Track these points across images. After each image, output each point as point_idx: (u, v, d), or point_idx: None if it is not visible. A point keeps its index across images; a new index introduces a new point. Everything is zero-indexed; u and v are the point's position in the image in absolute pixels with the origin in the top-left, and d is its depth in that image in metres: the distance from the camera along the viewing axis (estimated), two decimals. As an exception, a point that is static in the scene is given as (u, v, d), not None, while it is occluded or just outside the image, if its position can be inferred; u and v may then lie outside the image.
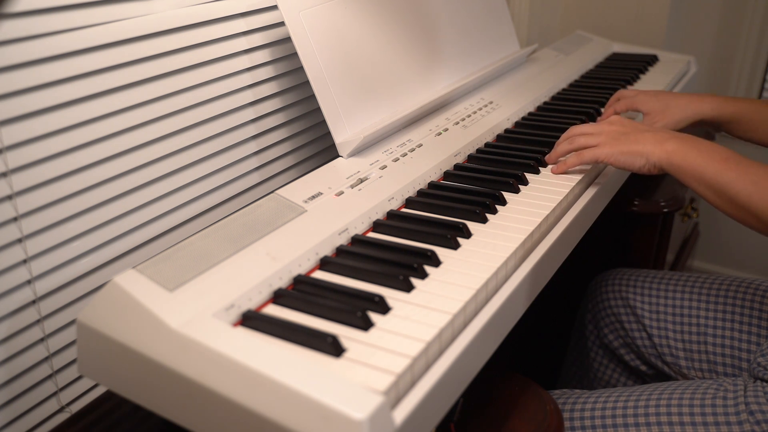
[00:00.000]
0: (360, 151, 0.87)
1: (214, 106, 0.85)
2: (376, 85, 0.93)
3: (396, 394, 0.52)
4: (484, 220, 0.76)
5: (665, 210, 1.23)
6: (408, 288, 0.63)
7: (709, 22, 1.74)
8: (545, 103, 1.15)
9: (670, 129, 0.94)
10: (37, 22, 0.65)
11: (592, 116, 1.08)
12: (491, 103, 1.08)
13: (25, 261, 0.67)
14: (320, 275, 0.67)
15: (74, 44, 0.68)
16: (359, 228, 0.74)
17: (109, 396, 0.74)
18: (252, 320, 0.59)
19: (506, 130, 1.02)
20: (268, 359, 0.51)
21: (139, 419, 0.72)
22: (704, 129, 1.06)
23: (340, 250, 0.70)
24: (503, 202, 0.80)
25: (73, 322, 0.72)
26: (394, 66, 0.96)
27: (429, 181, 0.86)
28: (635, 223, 1.27)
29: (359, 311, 0.58)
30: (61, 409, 0.73)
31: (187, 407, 0.54)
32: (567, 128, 1.01)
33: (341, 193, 0.77)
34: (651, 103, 1.00)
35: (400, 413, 0.51)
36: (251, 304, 0.60)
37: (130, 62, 0.74)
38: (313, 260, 0.68)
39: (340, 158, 0.85)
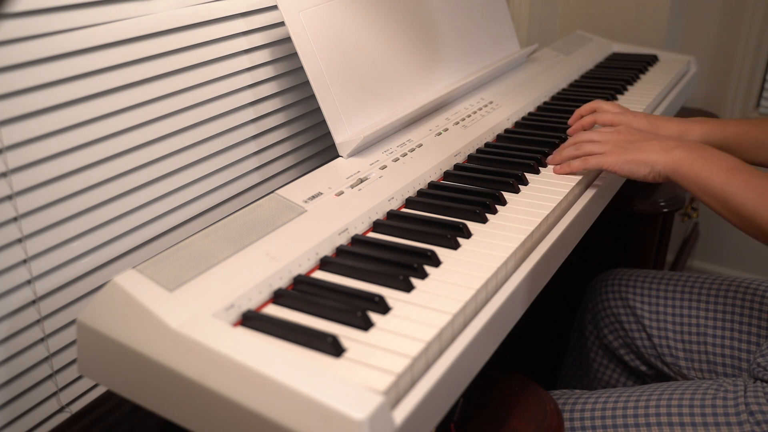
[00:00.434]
0: (360, 151, 0.87)
1: (214, 106, 0.85)
2: (376, 85, 0.93)
3: (396, 394, 0.52)
4: (484, 220, 0.76)
5: (665, 210, 1.23)
6: (408, 288, 0.63)
7: (709, 22, 1.74)
8: (545, 103, 1.15)
9: None
10: (37, 22, 0.65)
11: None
12: (491, 103, 1.08)
13: (25, 261, 0.67)
14: (320, 275, 0.67)
15: (74, 44, 0.68)
16: (359, 228, 0.74)
17: (109, 396, 0.74)
18: (252, 320, 0.59)
19: (506, 130, 1.02)
20: (268, 359, 0.51)
21: (139, 419, 0.72)
22: None
23: (340, 250, 0.70)
24: (503, 202, 0.80)
25: (73, 322, 0.72)
26: (394, 66, 0.96)
27: (429, 181, 0.86)
28: (635, 223, 1.27)
29: (359, 311, 0.58)
30: (61, 409, 0.73)
31: (187, 407, 0.54)
32: (567, 129, 1.01)
33: (341, 193, 0.77)
34: (641, 124, 0.93)
35: (400, 413, 0.51)
36: (251, 304, 0.60)
37: (130, 62, 0.74)
38: (313, 260, 0.68)
39: (340, 158, 0.85)
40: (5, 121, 0.63)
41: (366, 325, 0.58)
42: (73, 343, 0.72)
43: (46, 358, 0.70)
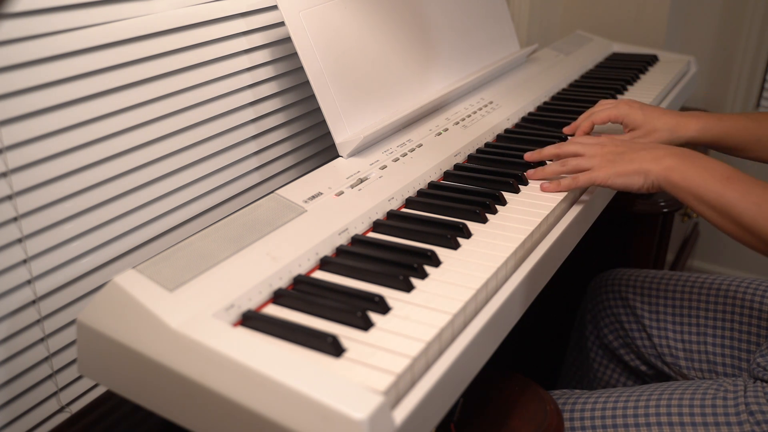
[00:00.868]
0: (360, 151, 0.87)
1: (214, 106, 0.85)
2: (376, 85, 0.93)
3: (396, 394, 0.52)
4: (484, 220, 0.76)
5: (665, 210, 1.23)
6: (408, 288, 0.63)
7: (709, 22, 1.74)
8: (545, 103, 1.15)
9: None
10: (37, 22, 0.65)
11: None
12: (491, 103, 1.08)
13: (25, 261, 0.67)
14: (320, 275, 0.67)
15: (74, 44, 0.68)
16: (359, 228, 0.74)
17: (109, 396, 0.74)
18: (252, 320, 0.59)
19: (506, 130, 1.02)
20: (268, 359, 0.51)
21: (139, 419, 0.72)
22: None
23: (340, 250, 0.70)
24: (503, 202, 0.80)
25: (73, 322, 0.71)
26: (394, 66, 0.96)
27: (429, 181, 0.86)
28: (635, 223, 1.27)
29: (359, 311, 0.58)
30: (61, 409, 0.73)
31: (187, 407, 0.54)
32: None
33: (341, 193, 0.77)
34: (636, 118, 0.93)
35: (400, 413, 0.51)
36: (251, 304, 0.60)
37: (130, 62, 0.74)
38: (313, 260, 0.68)
39: (340, 158, 0.85)
40: (5, 121, 0.63)
41: (366, 325, 0.58)
42: (73, 343, 0.72)
43: (46, 358, 0.70)
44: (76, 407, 0.74)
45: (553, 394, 0.89)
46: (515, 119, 1.07)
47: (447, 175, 0.88)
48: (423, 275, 0.65)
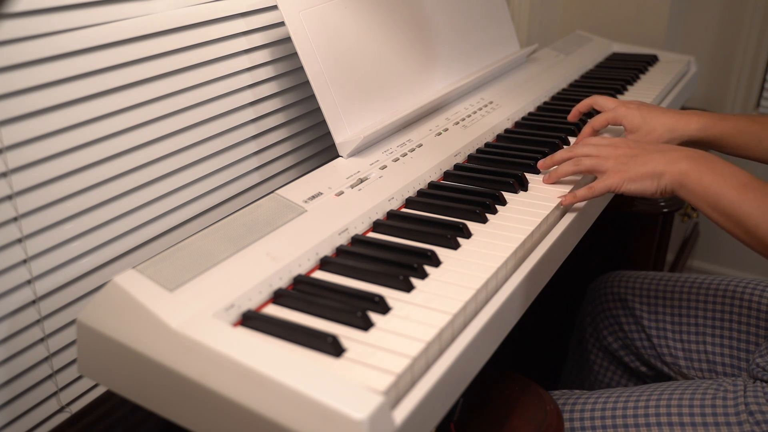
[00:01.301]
0: (360, 151, 0.87)
1: (214, 106, 0.85)
2: (376, 85, 0.93)
3: (396, 394, 0.52)
4: (484, 220, 0.76)
5: (665, 210, 1.23)
6: (408, 288, 0.63)
7: (709, 22, 1.74)
8: (545, 103, 1.15)
9: None
10: (37, 22, 0.65)
11: (591, 116, 1.08)
12: (491, 103, 1.08)
13: (25, 261, 0.67)
14: (320, 275, 0.67)
15: (74, 44, 0.68)
16: (359, 228, 0.74)
17: (109, 396, 0.74)
18: (252, 320, 0.59)
19: (506, 130, 1.02)
20: (268, 359, 0.51)
21: (139, 419, 0.72)
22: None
23: (340, 250, 0.70)
24: (503, 202, 0.80)
25: (73, 322, 0.71)
26: (394, 66, 0.96)
27: (429, 181, 0.86)
28: (635, 224, 1.27)
29: (359, 311, 0.58)
30: (61, 409, 0.73)
31: (187, 407, 0.54)
32: (567, 129, 1.01)
33: (341, 193, 0.77)
34: (634, 119, 0.92)
35: (400, 413, 0.51)
36: (251, 304, 0.60)
37: (130, 62, 0.74)
38: (313, 260, 0.68)
39: (340, 158, 0.85)
40: (5, 121, 0.63)
41: (366, 325, 0.58)
42: (73, 343, 0.72)
43: (46, 358, 0.70)
44: (76, 407, 0.74)
45: (553, 394, 0.89)
46: (515, 119, 1.07)
47: (447, 175, 0.88)
48: (423, 275, 0.65)
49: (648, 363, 1.08)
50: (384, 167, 0.84)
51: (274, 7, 0.92)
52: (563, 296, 1.30)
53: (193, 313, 0.56)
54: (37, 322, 0.69)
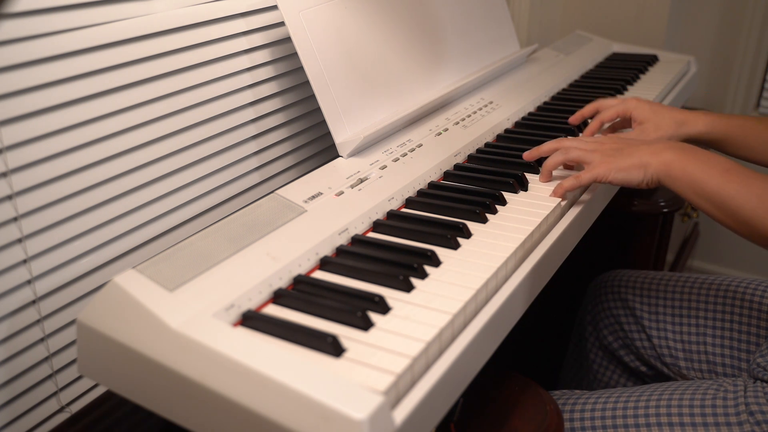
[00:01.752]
0: (360, 151, 0.87)
1: (214, 106, 0.85)
2: (376, 85, 0.93)
3: (396, 394, 0.52)
4: (484, 220, 0.76)
5: (665, 210, 1.23)
6: (408, 288, 0.63)
7: (709, 22, 1.74)
8: (545, 103, 1.15)
9: None
10: (37, 22, 0.65)
11: (591, 116, 1.08)
12: (491, 103, 1.08)
13: (25, 261, 0.67)
14: (320, 275, 0.67)
15: (74, 44, 0.68)
16: (359, 228, 0.74)
17: (109, 396, 0.74)
18: (252, 320, 0.59)
19: (506, 130, 1.02)
20: (268, 359, 0.51)
21: (139, 419, 0.72)
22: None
23: (340, 250, 0.70)
24: (503, 202, 0.80)
25: (73, 322, 0.71)
26: (394, 66, 0.96)
27: (429, 181, 0.86)
28: (635, 223, 1.27)
29: (359, 311, 0.58)
30: (61, 409, 0.73)
31: (187, 407, 0.54)
32: (567, 129, 1.01)
33: (341, 193, 0.77)
34: (644, 111, 0.94)
35: (400, 413, 0.51)
36: (251, 304, 0.60)
37: (130, 62, 0.74)
38: (313, 260, 0.68)
39: (340, 158, 0.85)
40: (5, 121, 0.63)
41: (366, 325, 0.58)
42: (73, 343, 0.72)
43: (46, 358, 0.70)
44: (76, 407, 0.74)
45: (553, 394, 0.89)
46: (515, 119, 1.07)
47: (447, 175, 0.88)
48: (423, 275, 0.65)
49: (648, 363, 1.08)
50: (384, 167, 0.84)
51: (274, 7, 0.92)
52: (563, 296, 1.30)
53: (193, 313, 0.56)
54: (37, 322, 0.69)
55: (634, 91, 1.24)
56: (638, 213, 1.23)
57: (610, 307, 1.12)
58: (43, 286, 0.68)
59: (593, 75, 1.32)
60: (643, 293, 1.08)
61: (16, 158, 0.64)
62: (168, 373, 0.54)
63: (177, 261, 0.61)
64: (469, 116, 1.02)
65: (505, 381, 0.80)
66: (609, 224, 1.24)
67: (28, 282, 0.67)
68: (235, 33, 0.86)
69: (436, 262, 0.67)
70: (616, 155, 0.79)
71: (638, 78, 1.32)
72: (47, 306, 0.69)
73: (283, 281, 0.64)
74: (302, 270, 0.66)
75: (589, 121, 1.01)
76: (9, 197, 0.64)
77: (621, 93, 1.22)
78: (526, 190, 0.84)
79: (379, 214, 0.77)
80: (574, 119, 1.01)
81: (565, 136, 0.98)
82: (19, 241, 0.66)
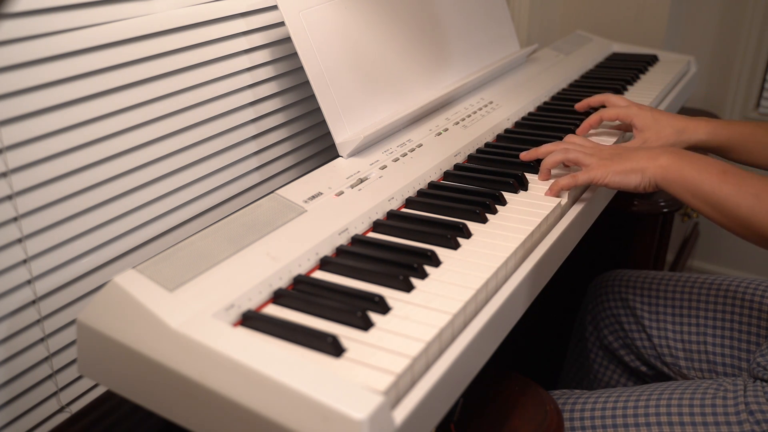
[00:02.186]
0: (360, 151, 0.87)
1: (214, 106, 0.85)
2: (376, 85, 0.93)
3: (396, 394, 0.52)
4: (484, 220, 0.76)
5: (665, 210, 1.23)
6: (408, 288, 0.63)
7: (709, 22, 1.74)
8: (545, 103, 1.15)
9: None
10: (37, 22, 0.65)
11: (596, 108, 1.08)
12: (491, 103, 1.08)
13: (25, 261, 0.67)
14: (320, 275, 0.67)
15: (74, 44, 0.68)
16: (359, 228, 0.74)
17: (109, 396, 0.74)
18: (252, 320, 0.59)
19: (506, 130, 1.02)
20: (268, 359, 0.51)
21: (139, 419, 0.72)
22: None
23: (340, 250, 0.70)
24: (503, 202, 0.80)
25: (73, 322, 0.72)
26: (394, 66, 0.96)
27: (429, 181, 0.86)
28: (635, 223, 1.27)
29: (359, 311, 0.58)
30: (61, 409, 0.73)
31: (187, 407, 0.54)
32: (567, 129, 1.01)
33: (341, 193, 0.77)
34: (645, 119, 0.94)
35: (401, 413, 0.51)
36: (251, 304, 0.60)
37: (130, 62, 0.74)
38: (313, 260, 0.68)
39: (340, 158, 0.85)
40: (5, 121, 0.63)
41: (366, 325, 0.58)
42: (73, 343, 0.72)
43: (46, 358, 0.70)
44: (76, 407, 0.74)
45: (553, 394, 0.89)
46: (515, 119, 1.07)
47: (447, 175, 0.88)
48: (423, 275, 0.65)
49: (648, 363, 1.08)
50: (384, 167, 0.84)
51: (274, 7, 0.92)
52: (563, 296, 1.30)
53: (193, 313, 0.56)
54: (37, 322, 0.69)
55: (634, 90, 1.24)
56: (638, 213, 1.23)
57: (611, 307, 1.12)
58: (43, 286, 0.68)
59: (593, 75, 1.32)
60: (643, 293, 1.08)
61: (16, 158, 0.64)
62: (168, 373, 0.54)
63: (177, 261, 0.61)
64: (469, 116, 1.02)
65: (505, 381, 0.80)
66: (609, 224, 1.24)
67: (28, 282, 0.67)
68: (235, 33, 0.86)
69: (436, 262, 0.67)
70: (614, 159, 0.80)
71: (638, 78, 1.32)
72: (47, 306, 0.69)
73: (283, 281, 0.64)
74: (302, 270, 0.66)
75: (591, 111, 1.01)
76: (9, 197, 0.64)
77: (621, 93, 1.22)
78: (526, 190, 0.84)
79: (379, 214, 0.77)
80: (579, 106, 1.03)
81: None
82: (19, 241, 0.66)
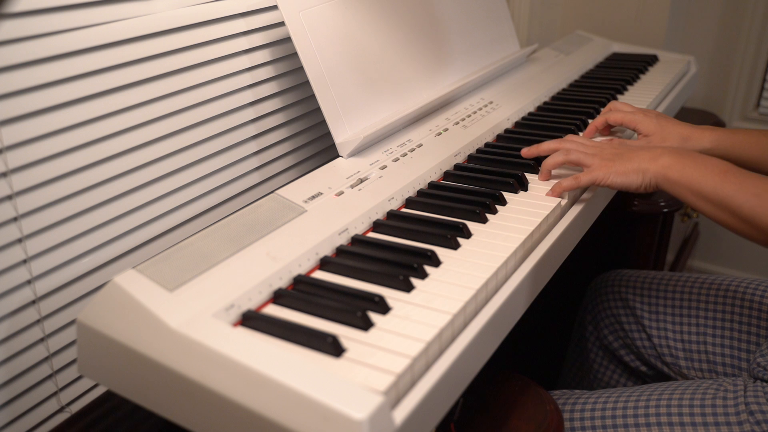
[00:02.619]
0: (360, 151, 0.87)
1: (214, 106, 0.85)
2: (376, 85, 0.93)
3: (396, 394, 0.52)
4: (484, 220, 0.76)
5: (665, 210, 1.23)
6: (408, 288, 0.63)
7: (709, 22, 1.74)
8: (545, 103, 1.15)
9: None
10: (37, 22, 0.65)
11: (591, 116, 1.08)
12: (491, 103, 1.08)
13: (25, 261, 0.67)
14: (320, 275, 0.67)
15: (74, 44, 0.68)
16: (359, 228, 0.74)
17: (109, 396, 0.74)
18: (252, 320, 0.59)
19: (506, 130, 1.02)
20: (268, 359, 0.51)
21: (139, 419, 0.72)
22: None
23: (340, 250, 0.70)
24: (503, 202, 0.80)
25: (73, 322, 0.72)
26: (393, 66, 0.96)
27: (429, 181, 0.86)
28: (635, 223, 1.27)
29: (359, 311, 0.58)
30: (61, 409, 0.73)
31: (187, 407, 0.54)
32: (567, 129, 1.01)
33: (341, 193, 0.77)
34: (650, 125, 0.94)
35: (401, 413, 0.51)
36: (251, 304, 0.60)
37: (130, 62, 0.74)
38: (313, 260, 0.68)
39: (340, 158, 0.85)
40: (5, 121, 0.63)
41: (366, 325, 0.58)
42: (73, 343, 0.72)
43: (46, 358, 0.70)
44: (76, 407, 0.74)
45: (553, 394, 0.89)
46: (515, 119, 1.07)
47: (447, 175, 0.88)
48: (423, 275, 0.65)
49: (648, 362, 1.08)
50: (384, 167, 0.84)
51: (274, 7, 0.92)
52: (563, 295, 1.30)
53: (193, 313, 0.56)
54: (37, 322, 0.69)
55: (634, 91, 1.24)
56: (638, 213, 1.23)
57: (611, 307, 1.12)
58: (43, 286, 0.68)
59: (593, 75, 1.32)
60: (643, 293, 1.08)
61: (16, 158, 0.64)
62: (168, 373, 0.54)
63: (177, 261, 0.61)
64: (469, 116, 1.02)
65: (505, 381, 0.80)
66: (609, 224, 1.24)
67: (28, 282, 0.67)
68: (235, 33, 0.86)
69: (436, 262, 0.67)
70: (616, 159, 0.81)
71: (638, 78, 1.32)
72: (47, 306, 0.69)
73: (283, 281, 0.64)
74: (302, 270, 0.66)
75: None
76: (9, 197, 0.64)
77: (621, 93, 1.22)
78: (526, 190, 0.84)
79: (379, 214, 0.77)
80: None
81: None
82: (19, 241, 0.66)
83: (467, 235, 0.73)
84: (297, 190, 0.75)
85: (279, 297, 0.62)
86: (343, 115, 0.87)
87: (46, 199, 0.67)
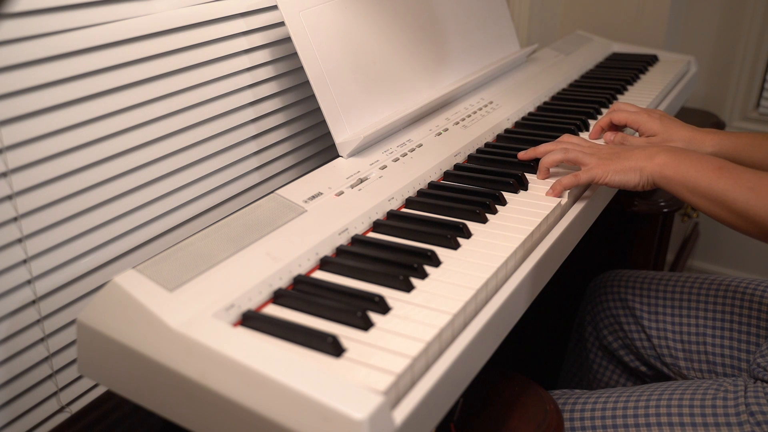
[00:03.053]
0: (360, 151, 0.87)
1: (214, 106, 0.85)
2: (376, 85, 0.93)
3: (396, 394, 0.52)
4: (484, 220, 0.76)
5: (665, 210, 1.23)
6: (408, 288, 0.63)
7: (709, 22, 1.74)
8: (545, 103, 1.15)
9: None
10: (37, 22, 0.65)
11: (592, 116, 1.08)
12: (491, 103, 1.08)
13: (25, 261, 0.67)
14: (320, 275, 0.67)
15: (74, 44, 0.68)
16: (359, 228, 0.74)
17: (109, 396, 0.74)
18: (252, 320, 0.59)
19: (506, 130, 1.02)
20: (268, 359, 0.51)
21: (139, 419, 0.72)
22: None
23: (340, 250, 0.70)
24: (503, 202, 0.80)
25: (73, 322, 0.72)
26: (394, 66, 0.96)
27: (429, 181, 0.86)
28: (635, 223, 1.27)
29: (359, 311, 0.58)
30: (61, 409, 0.73)
31: (187, 407, 0.54)
32: (567, 129, 1.01)
33: (341, 193, 0.77)
34: (653, 126, 0.95)
35: (401, 413, 0.51)
36: (251, 304, 0.60)
37: (130, 62, 0.74)
38: (313, 260, 0.68)
39: (340, 158, 0.85)
40: (5, 121, 0.63)
41: (366, 325, 0.58)
42: (73, 343, 0.72)
43: (46, 358, 0.70)
44: (76, 407, 0.74)
45: (553, 394, 0.89)
46: (515, 119, 1.07)
47: (447, 175, 0.88)
48: (423, 275, 0.65)
49: (647, 363, 1.08)
50: (384, 167, 0.84)
51: (274, 7, 0.92)
52: (563, 296, 1.30)
53: (193, 313, 0.56)
54: (37, 322, 0.69)
55: (634, 91, 1.24)
56: (638, 213, 1.23)
57: (610, 307, 1.12)
58: (43, 286, 0.68)
59: (593, 75, 1.32)
60: (643, 293, 1.08)
61: (16, 158, 0.64)
62: (168, 373, 0.54)
63: (177, 261, 0.61)
64: (469, 116, 1.02)
65: (505, 381, 0.80)
66: (609, 224, 1.24)
67: (28, 282, 0.67)
68: (235, 33, 0.86)
69: (436, 262, 0.67)
70: (613, 158, 0.82)
71: (638, 78, 1.32)
72: (47, 306, 0.69)
73: (283, 281, 0.64)
74: (302, 270, 0.66)
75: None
76: (9, 197, 0.64)
77: (621, 93, 1.22)
78: (526, 190, 0.84)
79: (379, 214, 0.77)
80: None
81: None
82: (19, 241, 0.66)
83: (467, 235, 0.73)
84: (297, 190, 0.75)
85: (279, 297, 0.62)
86: (343, 115, 0.87)
87: (46, 199, 0.67)
